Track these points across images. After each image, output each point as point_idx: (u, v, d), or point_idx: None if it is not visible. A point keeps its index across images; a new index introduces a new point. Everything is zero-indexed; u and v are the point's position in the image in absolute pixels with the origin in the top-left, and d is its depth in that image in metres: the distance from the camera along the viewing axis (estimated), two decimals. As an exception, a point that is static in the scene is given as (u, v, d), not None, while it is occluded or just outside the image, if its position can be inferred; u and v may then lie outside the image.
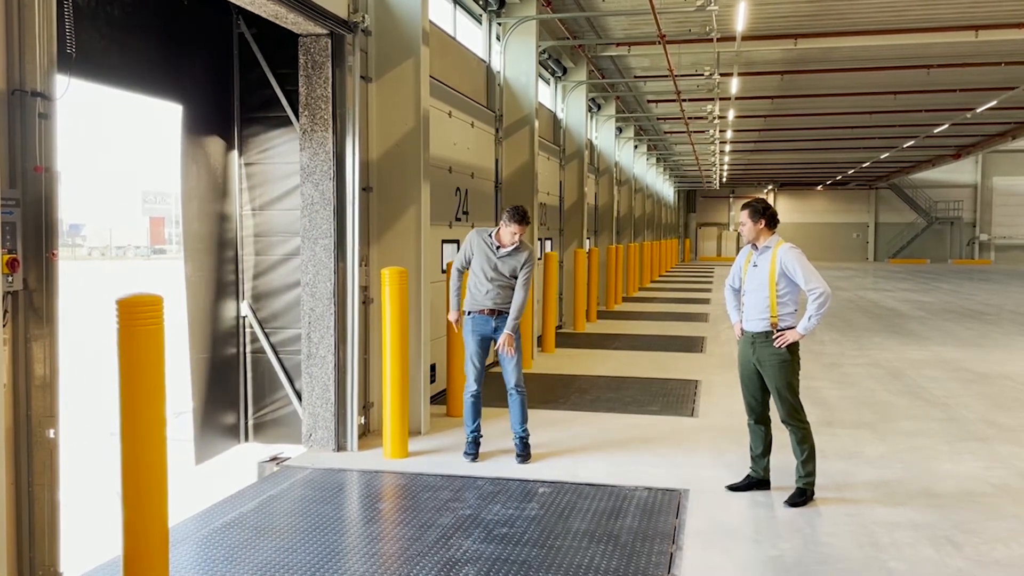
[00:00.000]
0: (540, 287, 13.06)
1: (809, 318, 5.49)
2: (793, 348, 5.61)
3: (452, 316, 6.88)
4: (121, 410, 3.88)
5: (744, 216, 5.71)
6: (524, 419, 6.67)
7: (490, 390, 6.89)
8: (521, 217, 6.49)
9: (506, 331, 6.53)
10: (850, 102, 24.07)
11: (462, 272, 6.82)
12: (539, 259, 13.27)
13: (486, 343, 6.70)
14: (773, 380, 5.63)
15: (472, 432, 6.70)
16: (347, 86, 6.86)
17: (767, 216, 5.65)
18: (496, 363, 7.35)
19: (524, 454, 6.65)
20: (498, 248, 6.60)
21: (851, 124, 28.56)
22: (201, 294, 6.96)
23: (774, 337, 5.58)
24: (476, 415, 6.71)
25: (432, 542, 4.94)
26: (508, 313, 6.59)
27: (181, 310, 6.65)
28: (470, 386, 6.72)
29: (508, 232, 6.56)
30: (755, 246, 5.72)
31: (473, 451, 6.68)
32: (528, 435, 6.71)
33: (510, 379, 6.66)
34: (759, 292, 5.63)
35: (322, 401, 6.95)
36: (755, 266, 5.68)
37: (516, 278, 6.61)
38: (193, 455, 6.80)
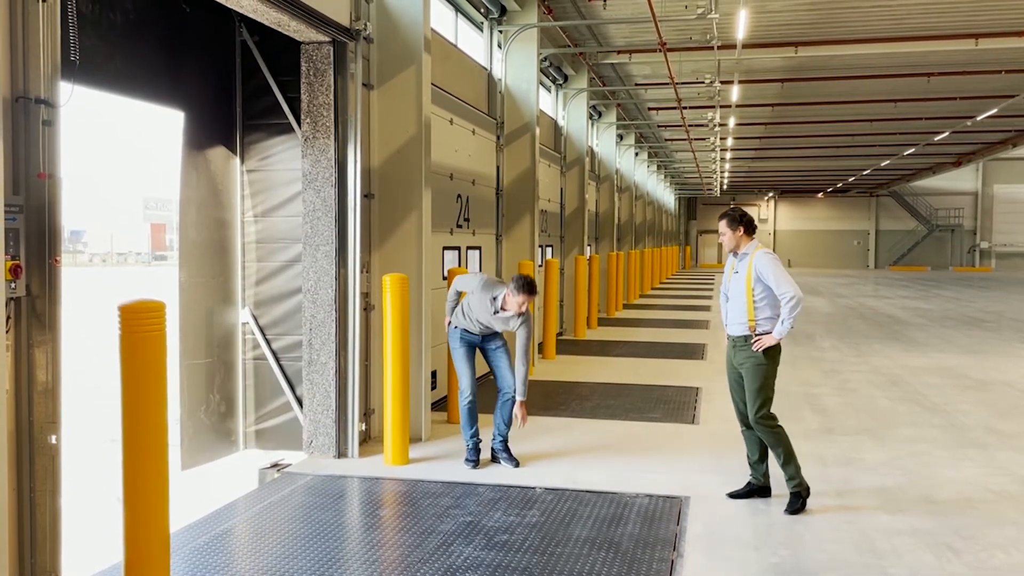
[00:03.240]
0: (541, 294, 13.08)
1: (782, 322, 5.57)
2: (771, 352, 5.65)
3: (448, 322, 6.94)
4: (123, 416, 3.89)
5: (723, 226, 5.81)
6: (511, 421, 6.73)
7: (486, 396, 6.91)
8: (531, 289, 6.41)
9: (519, 398, 6.52)
10: (851, 110, 24.13)
11: (460, 293, 6.87)
12: (539, 266, 13.27)
13: (473, 349, 6.80)
14: (747, 382, 5.70)
15: (471, 438, 6.72)
16: (349, 93, 6.88)
17: (744, 223, 5.76)
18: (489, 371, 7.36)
19: (513, 457, 6.71)
20: (496, 312, 6.57)
21: (852, 132, 28.63)
22: (197, 300, 6.97)
23: (752, 341, 5.64)
24: (473, 421, 6.73)
25: (433, 549, 4.94)
26: (494, 334, 6.74)
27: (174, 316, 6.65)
28: (464, 393, 6.76)
29: (515, 302, 6.45)
30: (735, 253, 5.80)
31: (474, 457, 6.69)
32: (508, 437, 6.79)
33: (506, 381, 6.70)
34: (739, 298, 5.73)
35: (323, 408, 6.96)
36: (736, 272, 5.79)
37: (507, 329, 6.66)
38: (179, 460, 6.78)
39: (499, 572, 4.61)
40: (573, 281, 15.44)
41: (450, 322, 6.86)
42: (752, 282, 5.63)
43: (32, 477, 4.03)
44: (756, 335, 5.64)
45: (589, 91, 17.49)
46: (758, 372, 5.64)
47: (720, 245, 55.67)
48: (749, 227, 5.75)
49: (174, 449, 6.69)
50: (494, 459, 6.77)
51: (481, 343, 6.77)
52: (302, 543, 5.03)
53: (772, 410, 5.72)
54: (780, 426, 5.73)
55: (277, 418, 7.37)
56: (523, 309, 6.47)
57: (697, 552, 4.93)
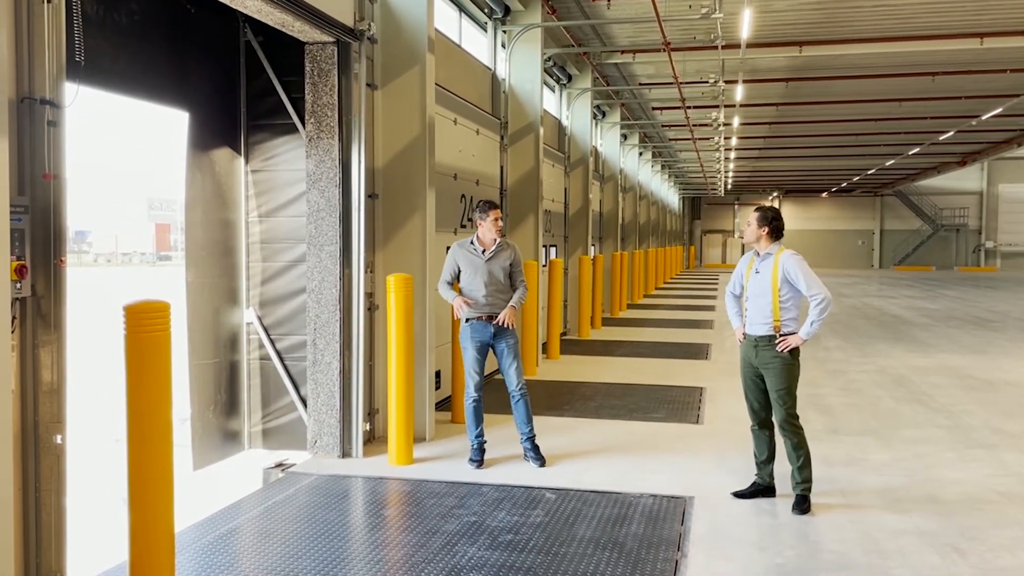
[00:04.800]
0: (545, 294, 13.07)
1: (811, 323, 5.57)
2: (795, 352, 5.68)
3: (458, 302, 6.62)
4: (128, 416, 3.89)
5: (752, 218, 5.84)
6: (530, 419, 6.76)
7: (491, 396, 6.92)
8: (491, 203, 6.74)
9: (509, 305, 6.66)
10: (855, 109, 24.08)
11: (451, 283, 6.82)
12: (543, 266, 13.27)
13: (485, 349, 6.75)
14: (774, 383, 5.68)
15: (476, 438, 6.72)
16: (353, 93, 6.89)
17: (772, 226, 5.75)
18: (496, 371, 7.35)
19: (539, 456, 6.71)
20: (483, 252, 6.68)
21: (856, 131, 28.59)
22: (203, 300, 6.98)
23: (777, 341, 5.63)
24: (478, 421, 6.73)
25: (437, 549, 4.95)
26: (505, 331, 6.69)
27: (181, 317, 6.65)
28: (470, 393, 6.76)
29: (489, 223, 6.67)
30: (757, 253, 5.79)
31: (478, 457, 6.69)
32: (535, 435, 6.78)
33: (512, 382, 6.71)
34: (762, 298, 5.70)
35: (327, 407, 6.96)
36: (757, 272, 5.77)
37: (509, 279, 6.74)
38: (191, 461, 6.79)
39: (503, 572, 4.61)
40: (577, 281, 15.43)
41: (462, 302, 6.65)
42: (778, 283, 5.63)
43: (37, 476, 4.04)
44: (781, 335, 5.64)
45: (593, 91, 17.47)
46: (786, 372, 5.66)
47: (724, 245, 55.70)
48: (775, 231, 5.76)
49: (185, 449, 6.74)
50: (525, 458, 6.77)
51: (492, 339, 6.73)
52: (306, 542, 5.04)
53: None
54: (803, 428, 5.76)
55: (281, 418, 7.38)
56: (500, 225, 6.70)
57: (701, 552, 4.92)
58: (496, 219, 6.68)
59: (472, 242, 6.75)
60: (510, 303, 6.70)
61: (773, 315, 5.64)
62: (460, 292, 6.74)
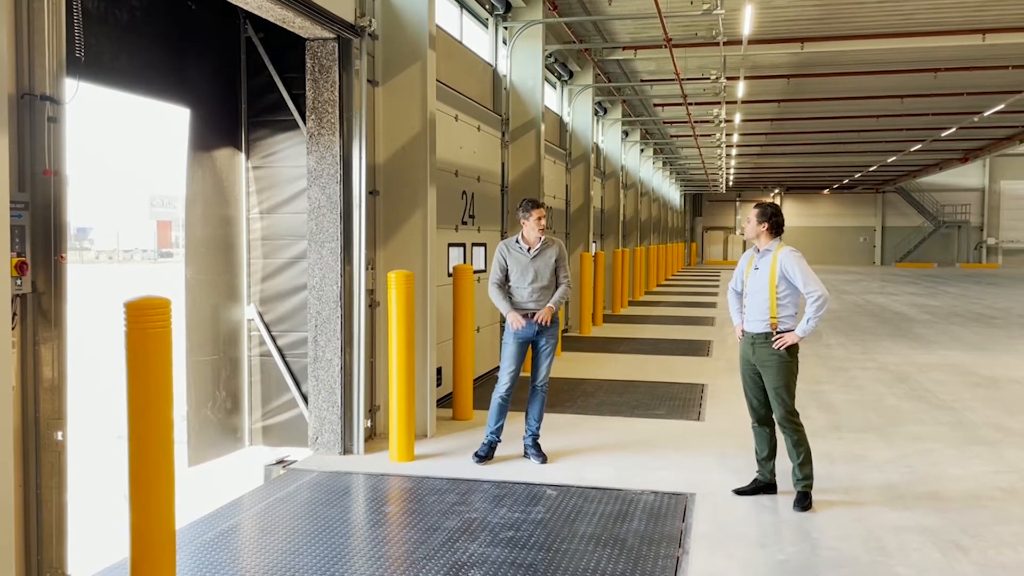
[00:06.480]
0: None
1: (807, 321, 5.56)
2: (792, 350, 5.66)
3: (512, 317, 6.63)
4: (129, 412, 3.89)
5: (752, 214, 5.83)
6: (541, 417, 6.79)
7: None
8: (535, 203, 6.73)
9: (548, 304, 6.64)
10: (857, 106, 24.06)
11: (501, 285, 6.79)
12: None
13: (526, 346, 6.74)
14: (771, 380, 5.68)
15: (492, 434, 6.72)
16: (354, 90, 6.88)
17: (771, 222, 5.73)
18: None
19: (540, 453, 6.73)
20: (528, 250, 6.71)
21: (858, 128, 28.56)
22: (202, 297, 6.97)
23: (773, 339, 5.61)
24: (501, 416, 6.73)
25: (438, 545, 4.94)
26: (547, 330, 6.69)
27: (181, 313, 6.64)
28: (500, 389, 6.73)
29: (532, 222, 6.70)
30: (757, 249, 5.78)
31: (484, 453, 6.68)
32: (539, 433, 6.80)
33: (539, 375, 6.73)
34: (760, 294, 5.69)
35: (328, 404, 6.96)
36: (756, 269, 5.76)
37: (554, 276, 6.74)
38: (186, 457, 6.77)
39: (504, 568, 4.60)
40: (578, 278, 15.42)
41: (516, 317, 6.71)
42: (776, 279, 5.61)
43: (38, 473, 4.03)
44: (778, 333, 5.63)
45: (594, 87, 17.46)
46: (782, 370, 5.64)
47: (726, 241, 55.76)
48: (775, 227, 5.74)
49: (180, 445, 6.71)
50: (525, 455, 6.79)
51: (536, 336, 6.70)
52: (307, 539, 5.03)
53: None
54: (803, 425, 5.75)
55: (283, 415, 7.38)
56: (543, 224, 6.72)
57: (703, 549, 4.92)
58: (539, 218, 6.69)
59: (518, 240, 6.79)
60: (548, 303, 6.67)
61: (770, 312, 5.63)
62: (511, 296, 6.72)
